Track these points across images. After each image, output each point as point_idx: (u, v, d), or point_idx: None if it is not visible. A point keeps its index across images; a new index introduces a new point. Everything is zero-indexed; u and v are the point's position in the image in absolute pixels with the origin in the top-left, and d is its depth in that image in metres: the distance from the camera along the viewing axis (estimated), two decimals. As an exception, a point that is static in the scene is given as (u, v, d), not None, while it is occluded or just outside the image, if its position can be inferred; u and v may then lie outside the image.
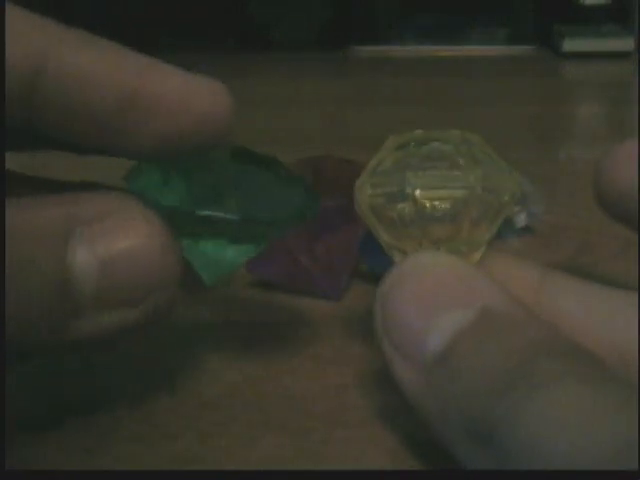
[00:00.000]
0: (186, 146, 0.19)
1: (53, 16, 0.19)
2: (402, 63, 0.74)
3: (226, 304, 0.27)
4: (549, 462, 0.13)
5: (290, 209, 0.19)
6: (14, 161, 0.20)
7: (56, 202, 0.17)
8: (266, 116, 0.54)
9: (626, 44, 0.72)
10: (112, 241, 0.17)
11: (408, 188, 0.19)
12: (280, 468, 0.19)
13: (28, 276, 0.16)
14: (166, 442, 0.20)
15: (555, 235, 0.32)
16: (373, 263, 0.28)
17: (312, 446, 0.19)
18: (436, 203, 0.19)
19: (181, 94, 0.19)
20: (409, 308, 0.17)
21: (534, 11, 0.80)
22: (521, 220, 0.32)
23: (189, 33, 0.78)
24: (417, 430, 0.20)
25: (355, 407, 0.21)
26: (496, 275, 0.18)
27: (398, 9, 0.81)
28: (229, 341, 0.25)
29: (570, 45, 0.72)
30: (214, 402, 0.21)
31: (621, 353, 0.17)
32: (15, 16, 0.18)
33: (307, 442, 0.20)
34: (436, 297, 0.17)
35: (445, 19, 0.81)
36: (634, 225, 0.21)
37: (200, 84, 0.19)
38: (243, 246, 0.20)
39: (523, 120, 0.54)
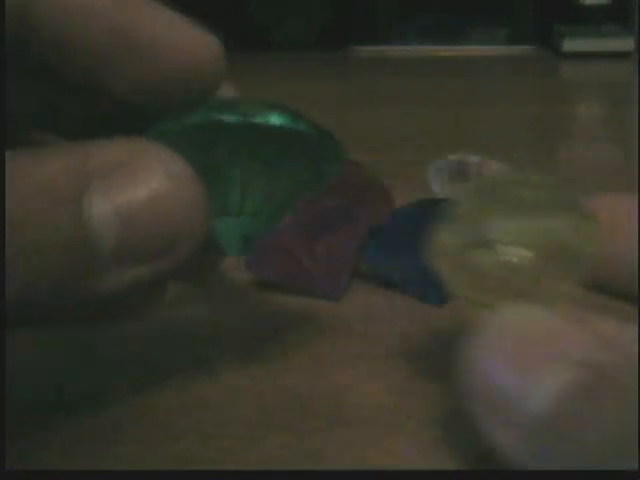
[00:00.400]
0: (174, 87, 0.19)
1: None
2: (402, 63, 0.74)
3: (226, 304, 0.27)
4: None
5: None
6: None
7: (68, 152, 0.16)
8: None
9: (626, 44, 0.72)
10: (131, 191, 0.16)
11: (490, 235, 0.18)
12: (281, 468, 0.19)
13: (43, 234, 0.15)
14: (167, 443, 0.20)
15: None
16: (373, 263, 0.28)
17: (312, 446, 0.20)
18: (518, 251, 0.18)
19: (173, 33, 0.18)
20: (502, 369, 0.15)
21: (534, 11, 0.80)
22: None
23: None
24: (417, 430, 0.20)
25: (355, 407, 0.21)
26: None
27: (398, 9, 0.81)
28: (229, 341, 0.25)
29: (570, 45, 0.72)
30: (215, 403, 0.21)
31: None
32: None
33: (307, 442, 0.20)
34: (529, 354, 0.15)
35: (445, 19, 0.81)
36: None
37: (193, 29, 0.19)
38: (266, 215, 0.19)
39: (523, 120, 0.54)
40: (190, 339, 0.25)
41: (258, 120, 0.18)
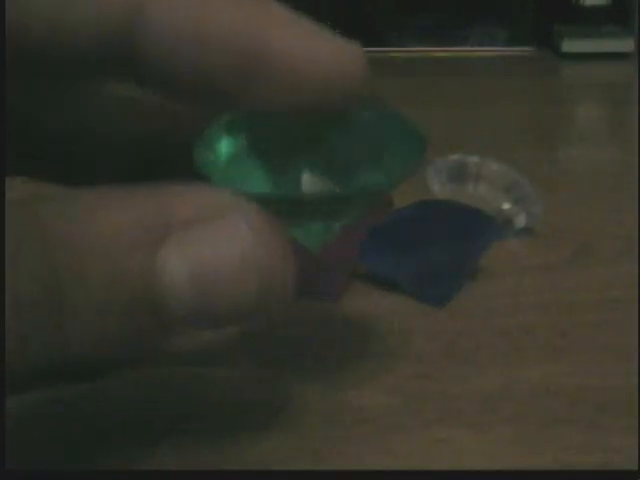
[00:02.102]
0: (310, 102, 0.16)
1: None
2: (402, 63, 0.74)
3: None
4: None
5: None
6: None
7: (145, 197, 0.14)
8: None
9: (626, 45, 0.72)
10: (212, 250, 0.14)
11: None
12: (280, 468, 0.19)
13: (110, 288, 0.14)
14: (166, 442, 0.20)
15: (554, 236, 0.32)
16: (373, 263, 0.28)
17: (312, 446, 0.19)
18: None
19: (309, 43, 0.16)
20: None
21: (534, 12, 0.80)
22: (520, 221, 0.32)
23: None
24: (417, 430, 0.20)
25: (355, 407, 0.21)
26: None
27: (398, 10, 0.81)
28: (229, 341, 0.25)
29: (570, 46, 0.72)
30: (213, 402, 0.21)
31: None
32: None
33: (307, 442, 0.20)
34: None
35: (445, 20, 0.81)
36: None
37: (331, 38, 0.17)
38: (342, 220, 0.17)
39: (523, 120, 0.54)
40: (190, 339, 0.25)
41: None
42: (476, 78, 0.68)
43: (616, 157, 0.45)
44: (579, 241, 0.32)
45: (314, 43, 0.16)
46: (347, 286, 0.28)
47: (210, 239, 0.14)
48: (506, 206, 0.32)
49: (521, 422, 0.20)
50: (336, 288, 0.27)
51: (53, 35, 0.15)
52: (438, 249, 0.27)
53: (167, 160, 0.18)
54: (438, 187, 0.33)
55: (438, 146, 0.44)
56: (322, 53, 0.16)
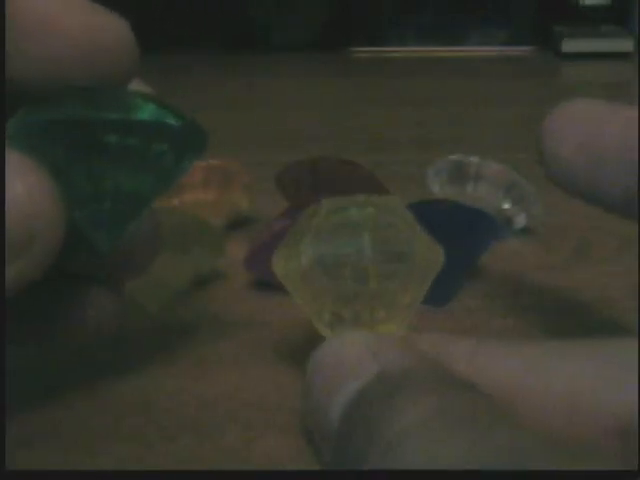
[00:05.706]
0: (72, 70, 0.18)
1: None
2: (402, 64, 0.75)
3: (226, 304, 0.27)
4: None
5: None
6: None
7: None
8: (267, 117, 0.54)
9: (625, 45, 0.72)
10: None
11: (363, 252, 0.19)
12: (280, 468, 0.19)
13: None
14: (165, 442, 0.20)
15: (554, 236, 0.32)
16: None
17: (312, 446, 0.20)
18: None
19: (66, 14, 0.18)
20: (317, 390, 0.17)
21: (533, 12, 0.80)
22: (520, 221, 0.32)
23: (190, 35, 0.78)
24: (417, 430, 0.20)
25: (355, 407, 0.21)
26: (427, 351, 0.18)
27: (398, 9, 0.81)
28: (228, 341, 0.25)
29: (569, 45, 0.72)
30: (213, 402, 0.21)
31: (570, 402, 0.16)
32: None
33: (307, 442, 0.20)
34: (336, 374, 0.17)
35: (445, 20, 0.81)
36: (579, 193, 0.22)
37: (95, 12, 0.18)
38: (128, 204, 0.19)
39: (523, 120, 0.54)
40: (190, 339, 0.25)
41: (121, 115, 0.18)
42: (476, 78, 0.68)
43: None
44: (578, 241, 0.32)
45: (73, 13, 0.18)
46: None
47: None
48: (506, 206, 0.32)
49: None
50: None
51: None
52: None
53: None
54: (438, 187, 0.33)
55: (439, 146, 0.45)
56: (80, 22, 0.18)
